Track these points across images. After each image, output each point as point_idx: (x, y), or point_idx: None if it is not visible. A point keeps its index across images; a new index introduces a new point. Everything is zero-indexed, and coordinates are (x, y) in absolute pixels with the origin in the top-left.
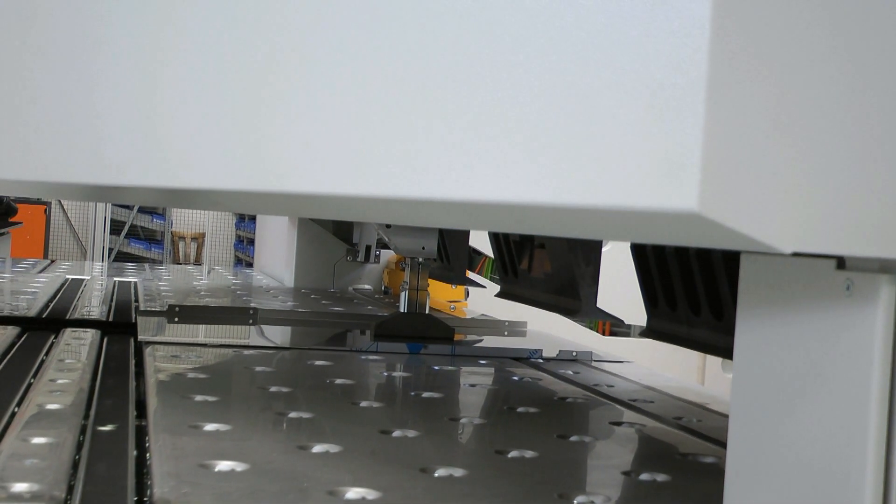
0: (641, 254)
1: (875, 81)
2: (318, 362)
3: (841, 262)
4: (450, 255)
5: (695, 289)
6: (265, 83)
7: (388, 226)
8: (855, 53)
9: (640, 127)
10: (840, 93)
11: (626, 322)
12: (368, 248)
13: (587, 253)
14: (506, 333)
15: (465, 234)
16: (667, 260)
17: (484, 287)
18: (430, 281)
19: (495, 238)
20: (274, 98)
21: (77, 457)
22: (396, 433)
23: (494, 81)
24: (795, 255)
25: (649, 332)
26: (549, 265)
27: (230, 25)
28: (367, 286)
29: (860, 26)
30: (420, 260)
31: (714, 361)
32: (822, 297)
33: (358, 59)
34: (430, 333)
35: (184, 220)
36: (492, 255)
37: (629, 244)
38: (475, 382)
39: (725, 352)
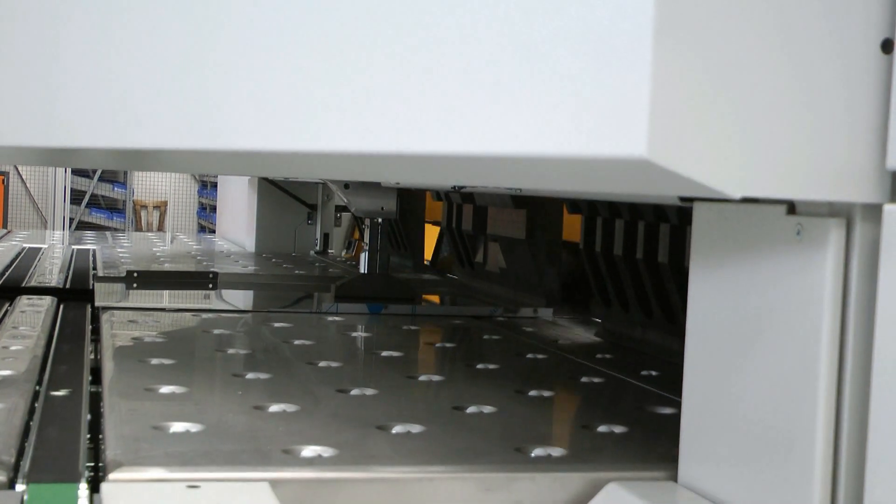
0: (592, 257)
1: (821, 29)
2: (277, 324)
3: (791, 208)
4: (408, 243)
5: (646, 294)
6: (210, 42)
7: (346, 186)
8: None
9: (588, 75)
10: (787, 38)
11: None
12: (327, 237)
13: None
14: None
15: (421, 222)
16: (616, 264)
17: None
18: None
19: (449, 231)
20: (218, 56)
21: (29, 422)
22: (354, 392)
23: (438, 32)
24: (746, 200)
25: (605, 332)
26: (504, 259)
27: None
28: (329, 249)
29: None
30: (379, 220)
31: None
32: (774, 243)
33: (301, 14)
34: (391, 294)
35: (146, 189)
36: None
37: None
38: (435, 341)
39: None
